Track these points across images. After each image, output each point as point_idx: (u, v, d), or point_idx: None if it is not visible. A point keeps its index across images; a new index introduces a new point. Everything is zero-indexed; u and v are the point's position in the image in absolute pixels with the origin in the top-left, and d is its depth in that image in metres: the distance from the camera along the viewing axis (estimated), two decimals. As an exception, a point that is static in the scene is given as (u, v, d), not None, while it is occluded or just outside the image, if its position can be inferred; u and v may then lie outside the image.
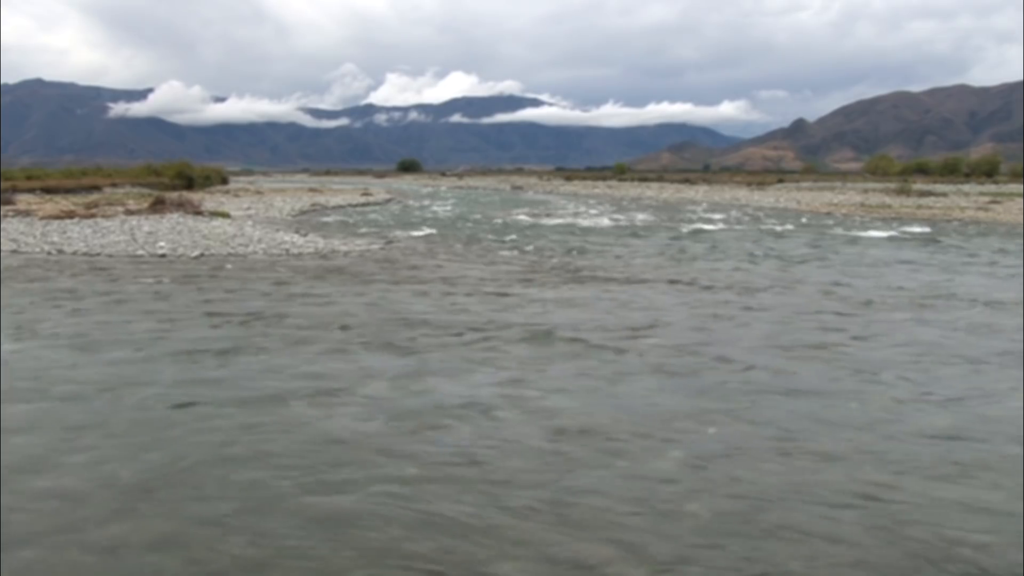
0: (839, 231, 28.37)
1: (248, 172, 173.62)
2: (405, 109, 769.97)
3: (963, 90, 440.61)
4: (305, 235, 23.06)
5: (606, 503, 4.99)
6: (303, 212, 37.04)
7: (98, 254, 18.16)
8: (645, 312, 11.50)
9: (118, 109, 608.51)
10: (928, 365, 8.55)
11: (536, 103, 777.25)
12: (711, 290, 13.75)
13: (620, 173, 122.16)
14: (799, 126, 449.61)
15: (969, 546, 4.50)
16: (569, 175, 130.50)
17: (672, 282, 14.67)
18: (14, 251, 18.52)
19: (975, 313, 11.69)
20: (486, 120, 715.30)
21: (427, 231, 26.94)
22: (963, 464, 5.70)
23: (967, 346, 9.47)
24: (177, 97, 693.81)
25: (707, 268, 17.04)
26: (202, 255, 18.14)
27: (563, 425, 6.47)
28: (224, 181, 66.77)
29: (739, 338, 9.80)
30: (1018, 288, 14.29)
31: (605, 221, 33.34)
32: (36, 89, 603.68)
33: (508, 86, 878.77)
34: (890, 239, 25.22)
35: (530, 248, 21.10)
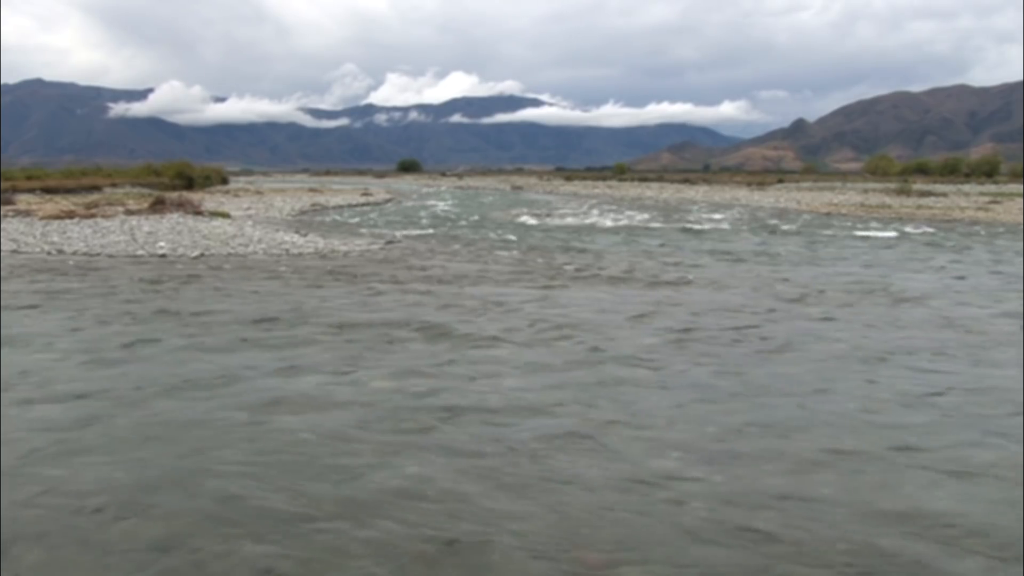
0: (835, 231, 28.37)
1: (248, 172, 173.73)
2: (405, 109, 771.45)
3: (963, 90, 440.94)
4: (305, 235, 23.08)
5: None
6: (303, 212, 37.07)
7: (98, 254, 18.19)
8: (590, 311, 11.54)
9: (118, 109, 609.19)
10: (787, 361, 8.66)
11: (536, 103, 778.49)
12: (677, 287, 13.80)
13: (620, 173, 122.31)
14: (799, 126, 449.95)
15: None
16: (569, 175, 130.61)
17: (643, 282, 14.71)
18: (14, 251, 18.54)
19: (896, 309, 11.78)
20: (486, 120, 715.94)
21: (427, 231, 26.96)
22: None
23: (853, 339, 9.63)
24: (177, 97, 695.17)
25: (688, 268, 17.06)
26: (202, 255, 18.16)
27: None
28: (224, 181, 66.81)
29: (640, 334, 9.97)
30: (948, 284, 14.38)
31: (604, 222, 33.36)
32: (36, 89, 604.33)
33: (508, 86, 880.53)
34: (882, 239, 25.22)
35: (527, 248, 21.11)
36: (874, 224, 31.73)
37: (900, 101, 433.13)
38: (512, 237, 24.62)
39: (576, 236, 25.39)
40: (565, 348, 9.24)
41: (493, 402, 7.12)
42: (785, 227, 30.32)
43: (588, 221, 33.33)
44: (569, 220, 33.87)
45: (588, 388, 7.55)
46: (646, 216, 37.48)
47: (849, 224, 31.91)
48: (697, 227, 30.22)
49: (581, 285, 14.26)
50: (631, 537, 4.58)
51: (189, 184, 52.64)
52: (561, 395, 7.35)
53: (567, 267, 16.90)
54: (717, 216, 37.71)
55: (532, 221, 32.89)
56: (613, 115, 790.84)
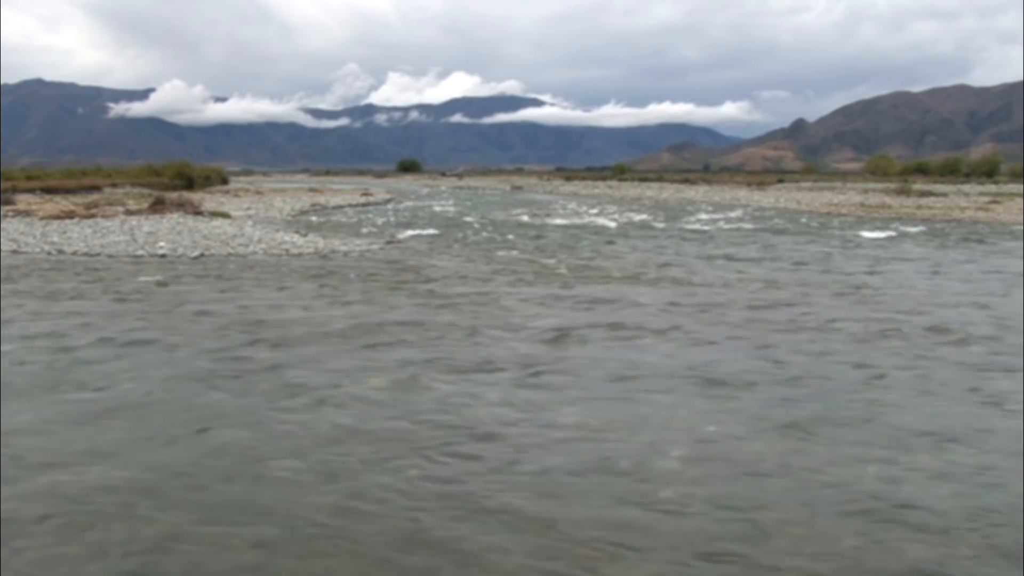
0: (834, 231, 28.36)
1: (248, 172, 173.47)
2: (406, 109, 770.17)
3: (963, 90, 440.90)
4: (305, 235, 23.08)
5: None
6: (303, 212, 37.06)
7: (98, 254, 18.18)
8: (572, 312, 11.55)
9: (118, 109, 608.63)
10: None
11: (537, 103, 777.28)
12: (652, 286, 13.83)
13: (620, 173, 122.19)
14: (799, 126, 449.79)
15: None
16: (569, 175, 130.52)
17: (643, 282, 14.73)
18: (14, 251, 18.54)
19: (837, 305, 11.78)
20: (486, 120, 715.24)
21: (427, 231, 26.95)
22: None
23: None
24: (179, 97, 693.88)
25: (672, 267, 17.08)
26: (202, 255, 18.16)
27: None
28: (224, 181, 66.75)
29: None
30: (894, 281, 14.36)
31: (603, 222, 33.35)
32: (36, 89, 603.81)
33: (510, 86, 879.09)
34: (875, 239, 25.22)
35: (526, 249, 21.11)
36: (875, 224, 31.71)
37: (900, 101, 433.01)
38: (512, 237, 24.61)
39: (575, 237, 25.37)
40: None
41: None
42: (788, 228, 30.32)
43: (587, 221, 33.32)
44: (569, 220, 33.85)
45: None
46: (645, 216, 37.47)
47: (852, 224, 31.90)
48: (702, 228, 30.22)
49: (582, 285, 14.26)
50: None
51: (189, 184, 52.62)
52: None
53: (567, 268, 16.90)
54: (718, 217, 37.70)
55: (532, 221, 32.88)
56: (614, 115, 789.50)
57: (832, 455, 5.88)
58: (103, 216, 26.78)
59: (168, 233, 22.08)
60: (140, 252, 18.43)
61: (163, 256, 18.00)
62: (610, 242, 23.29)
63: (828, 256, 19.83)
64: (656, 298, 12.83)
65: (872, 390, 7.60)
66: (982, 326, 10.68)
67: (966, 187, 69.85)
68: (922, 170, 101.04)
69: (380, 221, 32.35)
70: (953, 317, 11.38)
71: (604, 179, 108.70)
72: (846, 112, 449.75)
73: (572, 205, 49.11)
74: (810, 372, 8.24)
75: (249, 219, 29.70)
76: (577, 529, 4.64)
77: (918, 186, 61.02)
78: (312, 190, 64.02)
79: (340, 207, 43.07)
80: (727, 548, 4.46)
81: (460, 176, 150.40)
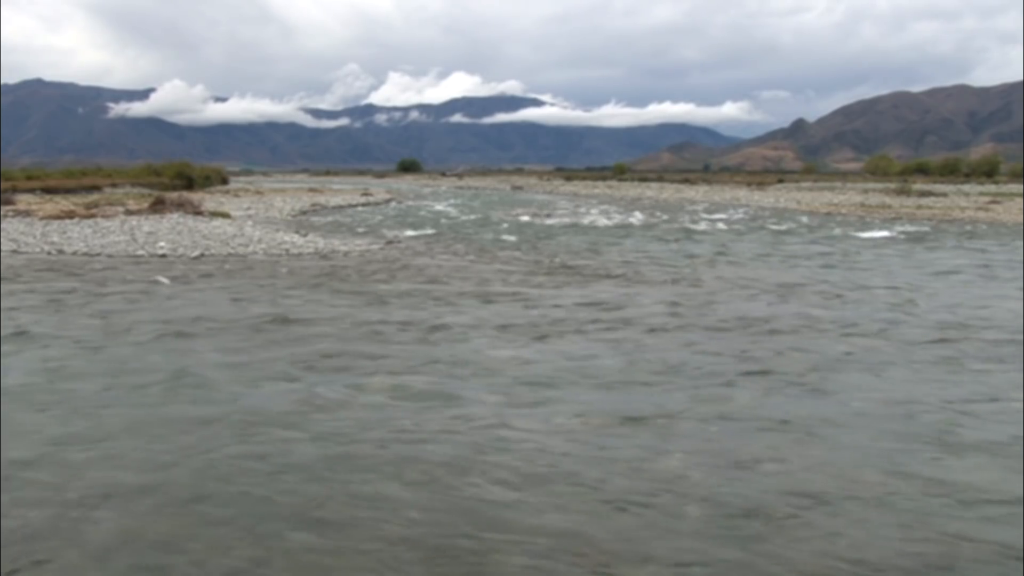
0: (830, 231, 28.38)
1: (248, 172, 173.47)
2: (406, 109, 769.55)
3: (963, 90, 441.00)
4: (305, 235, 23.09)
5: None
6: (303, 212, 37.08)
7: (98, 254, 18.20)
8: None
9: (118, 109, 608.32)
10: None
11: (537, 103, 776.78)
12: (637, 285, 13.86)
13: (620, 173, 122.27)
14: (799, 126, 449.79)
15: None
16: (569, 175, 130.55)
17: (641, 282, 14.76)
18: (14, 251, 18.56)
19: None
20: (486, 120, 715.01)
21: (427, 231, 26.97)
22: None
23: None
24: (179, 97, 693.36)
25: (669, 266, 17.11)
26: (202, 255, 18.18)
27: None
28: (224, 181, 66.78)
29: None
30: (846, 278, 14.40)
31: (602, 222, 33.36)
32: (36, 89, 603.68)
33: (510, 86, 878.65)
34: (869, 239, 25.24)
35: (527, 248, 21.12)
36: (873, 224, 31.71)
37: (900, 101, 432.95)
38: (512, 237, 24.62)
39: (575, 236, 25.39)
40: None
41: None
42: (784, 228, 30.34)
43: (586, 221, 33.32)
44: (567, 220, 33.86)
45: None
46: (644, 216, 37.47)
47: (851, 224, 31.91)
48: (700, 227, 30.23)
49: (580, 284, 14.28)
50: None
51: (189, 184, 52.65)
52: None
53: (567, 267, 16.92)
54: (717, 217, 37.70)
55: (532, 221, 32.89)
56: (614, 115, 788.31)
57: (630, 446, 6.00)
58: (103, 216, 26.81)
59: (168, 233, 22.10)
60: (140, 252, 18.45)
61: (163, 256, 18.01)
62: (607, 243, 23.29)
63: (808, 255, 19.82)
64: (597, 297, 12.83)
65: (729, 382, 7.78)
66: (888, 322, 10.89)
67: (966, 187, 69.89)
68: (922, 170, 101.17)
69: (380, 221, 32.36)
70: (868, 312, 11.66)
71: (604, 179, 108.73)
72: (846, 112, 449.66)
73: (571, 205, 49.12)
74: (672, 367, 8.36)
75: (249, 219, 29.72)
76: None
77: (918, 186, 61.06)
78: (312, 190, 64.05)
79: (340, 207, 43.08)
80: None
81: (460, 176, 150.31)
